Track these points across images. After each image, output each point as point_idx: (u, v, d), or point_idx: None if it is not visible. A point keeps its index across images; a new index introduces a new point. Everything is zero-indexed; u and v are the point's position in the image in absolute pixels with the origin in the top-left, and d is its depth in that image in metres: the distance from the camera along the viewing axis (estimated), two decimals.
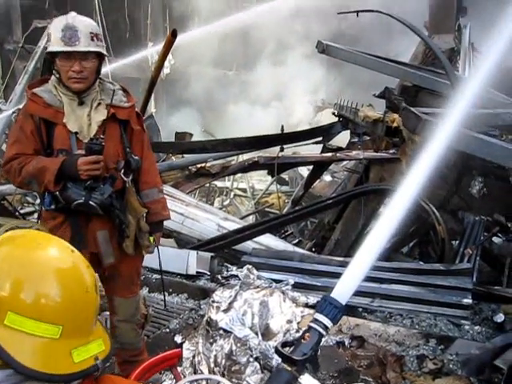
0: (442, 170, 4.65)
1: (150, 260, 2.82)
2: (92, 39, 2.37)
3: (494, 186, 4.94)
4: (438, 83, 4.69)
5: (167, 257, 3.88)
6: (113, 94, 2.41)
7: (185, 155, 6.61)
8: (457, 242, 4.99)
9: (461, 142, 3.07)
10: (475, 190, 5.10)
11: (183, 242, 5.10)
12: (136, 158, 2.50)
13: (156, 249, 2.63)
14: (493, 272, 4.99)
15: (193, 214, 5.11)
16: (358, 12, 4.59)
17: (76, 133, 2.39)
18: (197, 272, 4.29)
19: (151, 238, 2.57)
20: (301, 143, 6.31)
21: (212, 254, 4.43)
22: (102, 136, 2.35)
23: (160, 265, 2.75)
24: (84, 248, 2.29)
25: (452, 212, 5.38)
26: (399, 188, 3.13)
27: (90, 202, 2.33)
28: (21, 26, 13.57)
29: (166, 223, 2.82)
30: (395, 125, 4.22)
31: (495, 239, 5.43)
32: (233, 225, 5.16)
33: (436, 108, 3.93)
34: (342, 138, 6.56)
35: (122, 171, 2.45)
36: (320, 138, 6.18)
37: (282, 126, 5.94)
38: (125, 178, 2.45)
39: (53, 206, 2.41)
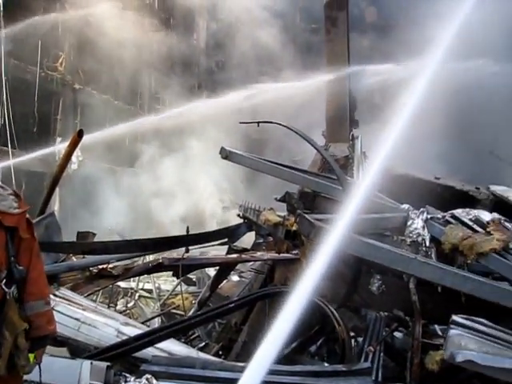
0: (340, 269, 4.85)
1: (36, 373, 2.57)
2: None
3: (392, 282, 5.21)
4: (332, 189, 5.04)
5: (56, 368, 3.57)
6: None
7: (86, 256, 6.35)
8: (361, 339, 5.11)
9: (351, 246, 3.27)
10: (375, 287, 5.33)
11: (80, 349, 4.74)
12: (21, 268, 2.36)
13: (38, 366, 2.41)
14: (397, 367, 5.11)
15: (90, 319, 4.81)
16: (258, 123, 4.93)
17: None
18: None
19: (31, 356, 2.36)
20: (207, 244, 6.33)
21: (108, 363, 4.13)
22: None
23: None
24: None
25: (355, 310, 5.55)
26: (295, 290, 3.22)
27: None
28: None
29: (60, 330, 2.63)
30: (294, 228, 4.41)
31: (397, 334, 5.62)
32: (134, 330, 4.91)
33: (332, 212, 4.18)
34: (249, 238, 6.71)
35: (4, 282, 2.29)
36: (226, 239, 6.26)
37: (188, 228, 5.96)
38: (6, 289, 2.28)
39: None
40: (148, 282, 9.91)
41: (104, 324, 4.82)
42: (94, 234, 6.87)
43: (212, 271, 8.57)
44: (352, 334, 5.15)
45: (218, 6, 22.29)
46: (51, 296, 2.75)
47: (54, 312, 2.74)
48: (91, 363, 4.05)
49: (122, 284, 8.86)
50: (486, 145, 15.83)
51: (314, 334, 5.20)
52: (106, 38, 17.19)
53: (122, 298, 9.36)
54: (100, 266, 5.91)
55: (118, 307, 8.50)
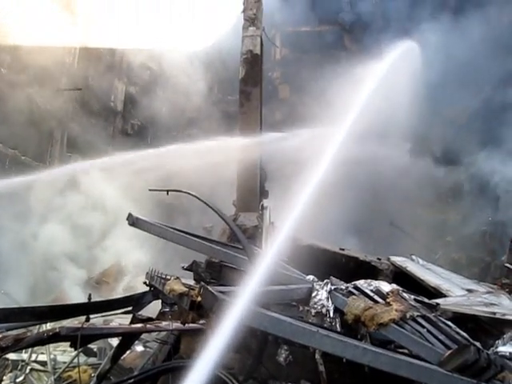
0: (246, 340, 4.81)
1: None
2: None
3: (299, 353, 5.23)
4: (238, 259, 5.06)
5: None
6: None
7: None
8: None
9: (254, 319, 3.26)
10: (282, 358, 5.33)
11: None
12: None
13: None
14: None
15: None
16: (167, 191, 4.93)
17: None
18: None
19: None
20: (110, 312, 6.03)
21: None
22: None
23: None
24: None
25: (263, 382, 5.47)
26: (198, 363, 3.13)
27: None
28: None
29: None
30: (199, 299, 4.33)
31: None
32: None
33: (238, 283, 4.18)
34: (154, 307, 6.48)
35: None
36: (130, 308, 6.01)
37: (90, 295, 5.66)
38: None
39: None
40: (42, 353, 9.09)
41: None
42: None
43: (115, 341, 8.09)
44: None
45: (138, 72, 22.59)
46: None
47: None
48: None
49: (11, 355, 8.06)
50: (388, 216, 16.93)
51: None
52: (16, 92, 16.67)
53: (11, 371, 8.47)
54: None
55: (4, 383, 7.69)
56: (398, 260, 7.81)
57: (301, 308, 5.00)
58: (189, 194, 5.04)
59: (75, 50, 19.97)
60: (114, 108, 22.58)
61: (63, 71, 19.54)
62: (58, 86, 19.05)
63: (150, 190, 5.62)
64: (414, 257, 8.24)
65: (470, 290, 6.62)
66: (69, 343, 7.24)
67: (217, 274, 5.08)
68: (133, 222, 5.17)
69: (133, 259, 14.12)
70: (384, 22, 19.28)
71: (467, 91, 15.68)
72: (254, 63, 9.73)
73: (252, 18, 9.85)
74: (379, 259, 7.65)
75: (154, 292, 5.86)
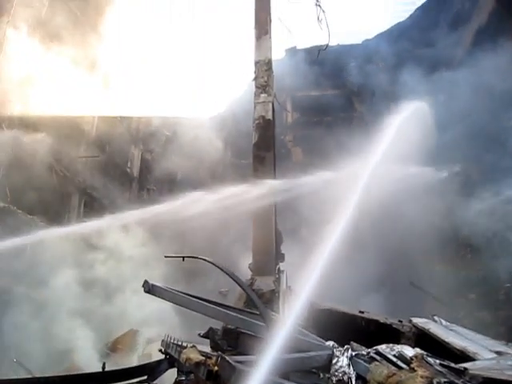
0: None
1: None
2: None
3: None
4: (256, 326, 4.94)
5: None
6: None
7: None
8: None
9: None
10: None
11: None
12: None
13: None
14: None
15: None
16: (183, 257, 4.93)
17: None
18: None
19: None
20: (124, 382, 5.86)
21: None
22: None
23: None
24: None
25: None
26: None
27: None
28: None
29: None
30: (217, 368, 4.20)
31: None
32: None
33: (256, 351, 4.06)
34: (170, 375, 6.28)
35: None
36: (145, 377, 5.84)
37: (104, 363, 5.53)
38: None
39: None
40: None
41: None
42: None
43: None
44: None
45: (153, 138, 23.25)
46: None
47: None
48: None
49: None
50: (407, 274, 16.58)
51: None
52: (36, 159, 17.13)
53: None
54: None
55: None
56: (420, 321, 7.56)
57: (321, 375, 4.82)
58: (204, 260, 5.02)
59: (94, 118, 20.72)
60: (130, 174, 23.08)
61: (82, 139, 20.18)
62: (77, 154, 19.61)
63: (165, 256, 5.61)
64: (436, 317, 7.97)
65: (499, 353, 6.31)
66: None
67: (234, 341, 4.95)
68: (148, 289, 5.13)
69: (149, 321, 13.83)
70: (391, 83, 19.78)
71: (480, 146, 15.73)
72: (266, 128, 9.94)
73: (263, 85, 10.17)
74: (400, 321, 7.41)
75: (170, 360, 5.70)
